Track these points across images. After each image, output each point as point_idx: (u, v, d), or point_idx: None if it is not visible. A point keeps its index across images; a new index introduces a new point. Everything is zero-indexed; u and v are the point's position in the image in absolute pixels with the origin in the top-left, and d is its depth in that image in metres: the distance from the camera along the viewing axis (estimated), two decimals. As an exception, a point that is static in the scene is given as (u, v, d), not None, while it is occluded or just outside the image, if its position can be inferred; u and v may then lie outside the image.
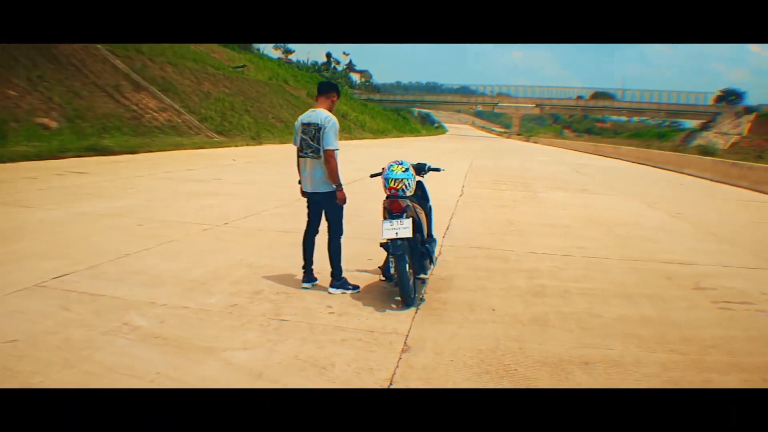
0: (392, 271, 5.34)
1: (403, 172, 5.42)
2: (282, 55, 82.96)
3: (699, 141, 70.66)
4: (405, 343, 4.40)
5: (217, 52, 43.09)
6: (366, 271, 6.29)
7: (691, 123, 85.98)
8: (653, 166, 30.55)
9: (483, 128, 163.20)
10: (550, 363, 4.18)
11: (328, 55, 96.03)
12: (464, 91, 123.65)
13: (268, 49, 75.28)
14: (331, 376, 3.79)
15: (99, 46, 25.91)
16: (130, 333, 4.22)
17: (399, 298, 5.42)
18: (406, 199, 5.40)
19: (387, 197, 5.45)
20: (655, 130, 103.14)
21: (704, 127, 76.58)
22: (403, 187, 5.38)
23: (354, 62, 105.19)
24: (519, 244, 8.28)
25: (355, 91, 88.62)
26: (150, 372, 3.64)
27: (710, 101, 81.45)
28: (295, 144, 5.61)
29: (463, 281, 6.18)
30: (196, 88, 32.71)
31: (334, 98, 5.60)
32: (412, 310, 5.16)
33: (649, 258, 7.81)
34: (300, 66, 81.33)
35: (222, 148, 25.35)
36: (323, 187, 5.43)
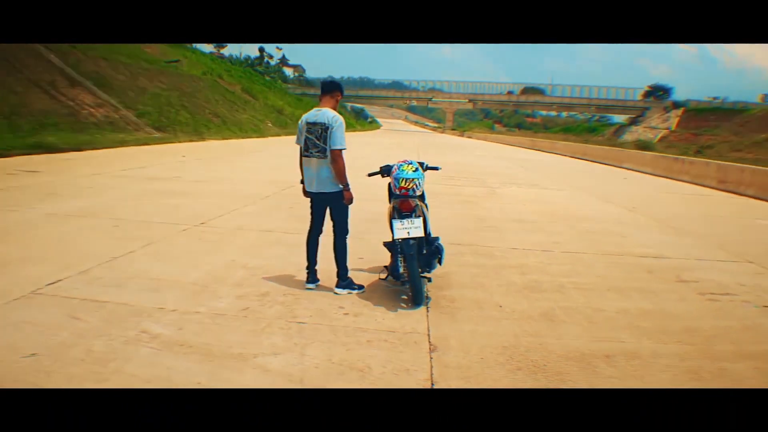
0: (401, 270, 5.41)
1: (413, 171, 5.50)
2: (214, 50, 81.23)
3: (628, 135, 73.93)
4: (430, 342, 4.49)
5: (149, 46, 41.74)
6: (362, 270, 6.33)
7: (620, 118, 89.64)
8: (591, 161, 31.74)
9: (416, 123, 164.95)
10: (574, 357, 4.36)
11: (261, 50, 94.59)
12: (396, 86, 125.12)
13: (201, 44, 73.65)
14: (371, 378, 3.83)
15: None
16: (151, 342, 4.12)
17: (405, 297, 5.51)
18: (416, 199, 5.48)
19: (396, 197, 5.50)
20: (584, 125, 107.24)
21: (633, 122, 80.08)
22: (414, 186, 5.46)
23: (287, 57, 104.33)
24: (497, 240, 8.50)
25: (289, 85, 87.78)
26: (191, 382, 3.58)
27: (639, 96, 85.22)
28: (298, 144, 5.60)
29: (459, 278, 6.31)
30: (132, 84, 31.70)
31: (338, 97, 5.60)
32: (423, 308, 5.25)
33: (624, 252, 8.18)
34: (233, 60, 79.87)
35: (166, 144, 24.79)
36: (330, 187, 5.44)
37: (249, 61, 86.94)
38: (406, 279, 5.42)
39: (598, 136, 79.61)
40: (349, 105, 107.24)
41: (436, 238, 5.79)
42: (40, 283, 5.15)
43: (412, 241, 5.29)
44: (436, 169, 6.38)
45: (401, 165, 5.59)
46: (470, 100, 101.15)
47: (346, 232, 5.58)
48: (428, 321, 4.95)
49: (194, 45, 63.45)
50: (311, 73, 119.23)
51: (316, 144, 5.38)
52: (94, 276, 5.52)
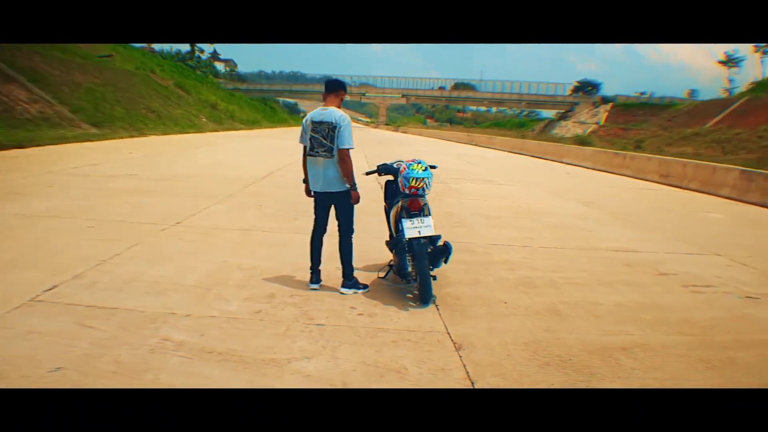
0: (410, 269, 5.48)
1: (423, 171, 5.58)
2: (145, 44, 78.66)
3: (558, 130, 76.28)
4: (452, 341, 4.58)
5: (82, 41, 40.12)
6: (356, 268, 6.34)
7: (549, 113, 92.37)
8: (530, 156, 32.65)
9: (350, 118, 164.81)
10: (594, 351, 4.56)
11: (192, 44, 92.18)
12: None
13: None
14: (412, 379, 3.89)
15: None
16: (178, 349, 4.03)
17: (411, 296, 5.60)
18: (424, 198, 5.57)
19: (405, 196, 5.57)
20: (515, 120, 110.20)
21: (563, 117, 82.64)
22: (424, 185, 5.55)
23: (218, 51, 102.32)
24: (472, 236, 8.69)
25: (221, 80, 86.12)
26: (235, 391, 3.54)
27: (568, 92, 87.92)
28: (302, 143, 5.59)
29: (454, 275, 6.43)
30: (67, 79, 30.43)
31: (343, 96, 5.62)
32: (432, 306, 5.34)
33: (596, 246, 8.53)
34: (164, 55, 77.62)
35: (108, 140, 23.94)
36: (337, 186, 5.45)
37: (180, 56, 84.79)
38: (414, 277, 5.50)
39: (529, 130, 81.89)
40: (281, 100, 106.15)
41: (438, 237, 5.89)
42: (36, 290, 4.95)
43: (423, 240, 5.37)
44: (434, 167, 6.46)
45: (411, 164, 5.66)
46: (403, 95, 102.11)
47: (352, 231, 5.61)
48: (442, 319, 5.04)
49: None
50: (243, 68, 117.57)
51: (323, 143, 5.37)
52: (90, 280, 5.34)
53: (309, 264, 5.82)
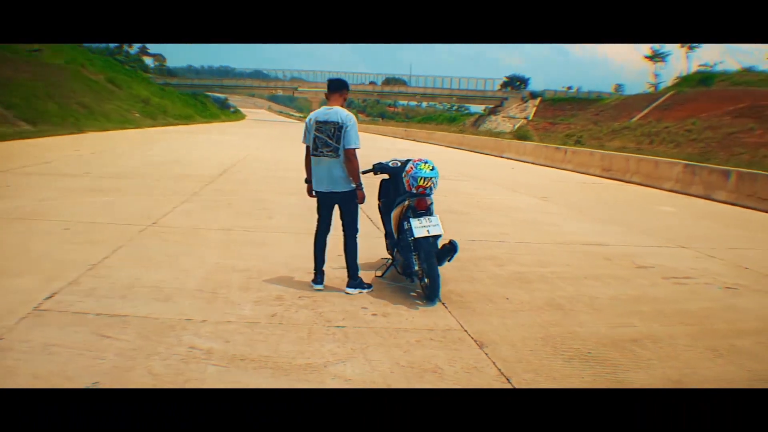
0: (416, 267, 5.53)
1: (430, 170, 5.63)
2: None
3: (489, 125, 77.84)
4: (473, 338, 4.65)
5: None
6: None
7: (479, 107, 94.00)
8: (472, 151, 33.23)
9: (281, 113, 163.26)
10: (608, 343, 4.73)
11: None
12: (258, 75, 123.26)
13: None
14: (450, 379, 3.92)
15: None
16: (210, 358, 3.92)
17: (414, 294, 5.65)
18: (430, 197, 5.62)
19: (412, 195, 5.60)
20: (446, 115, 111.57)
21: (492, 112, 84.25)
22: (431, 185, 5.61)
23: (147, 46, 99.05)
24: (449, 233, 8.72)
25: (150, 75, 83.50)
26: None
27: (498, 87, 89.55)
28: (305, 143, 5.54)
29: (448, 272, 6.42)
30: (-3, 74, 28.94)
31: (346, 95, 5.60)
32: (439, 304, 5.40)
33: (570, 240, 8.83)
34: (92, 49, 74.54)
35: (48, 137, 22.74)
36: (342, 186, 5.42)
37: (108, 50, 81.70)
38: (421, 276, 5.54)
39: (460, 125, 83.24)
40: (211, 95, 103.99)
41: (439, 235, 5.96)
42: (36, 298, 4.70)
43: (431, 239, 5.43)
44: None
45: (418, 164, 5.72)
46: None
47: (357, 230, 5.60)
48: (455, 317, 5.11)
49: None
50: (172, 63, 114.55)
51: (328, 143, 5.34)
52: (89, 286, 5.12)
53: (301, 264, 5.79)
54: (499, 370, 4.11)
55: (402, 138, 50.03)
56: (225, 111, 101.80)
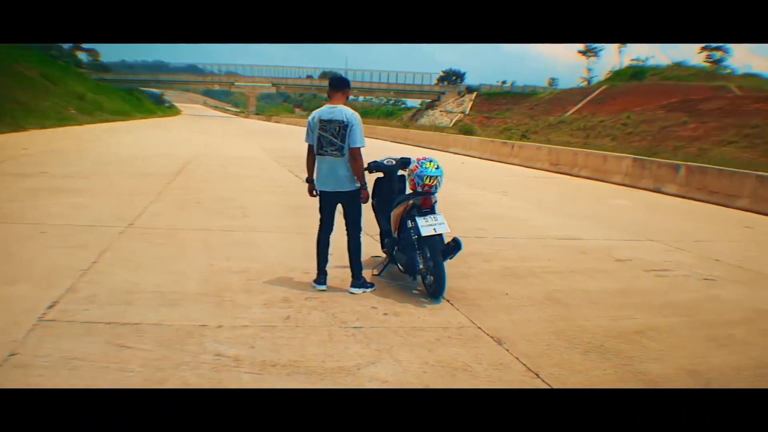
0: (420, 265, 5.58)
1: (435, 169, 5.69)
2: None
3: (426, 119, 78.62)
4: (488, 335, 4.74)
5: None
6: (340, 266, 6.29)
7: (416, 102, 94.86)
8: (415, 146, 33.42)
9: (216, 108, 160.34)
10: (616, 336, 4.91)
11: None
12: (193, 70, 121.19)
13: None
14: (482, 378, 3.98)
15: None
16: (240, 365, 3.84)
17: (416, 291, 5.71)
18: (435, 196, 5.69)
19: (418, 194, 5.65)
20: (383, 109, 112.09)
21: (430, 106, 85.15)
22: (437, 183, 5.68)
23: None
24: (424, 229, 8.88)
25: (84, 70, 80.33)
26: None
27: (435, 81, 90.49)
28: (308, 142, 5.50)
29: (440, 270, 6.59)
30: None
31: (348, 93, 5.60)
32: (444, 302, 5.47)
33: (544, 235, 9.07)
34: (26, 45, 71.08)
35: None
36: (347, 186, 5.42)
37: (43, 45, 78.23)
38: (425, 274, 5.60)
39: (398, 119, 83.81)
40: (146, 90, 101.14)
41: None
42: (38, 307, 4.50)
43: (438, 237, 5.49)
44: None
45: (423, 163, 5.76)
46: (273, 84, 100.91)
47: (360, 230, 5.61)
48: (464, 314, 5.19)
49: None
50: (105, 58, 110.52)
51: (333, 142, 5.32)
52: (88, 293, 4.92)
53: (295, 263, 5.76)
54: (525, 365, 4.21)
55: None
56: (161, 106, 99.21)
